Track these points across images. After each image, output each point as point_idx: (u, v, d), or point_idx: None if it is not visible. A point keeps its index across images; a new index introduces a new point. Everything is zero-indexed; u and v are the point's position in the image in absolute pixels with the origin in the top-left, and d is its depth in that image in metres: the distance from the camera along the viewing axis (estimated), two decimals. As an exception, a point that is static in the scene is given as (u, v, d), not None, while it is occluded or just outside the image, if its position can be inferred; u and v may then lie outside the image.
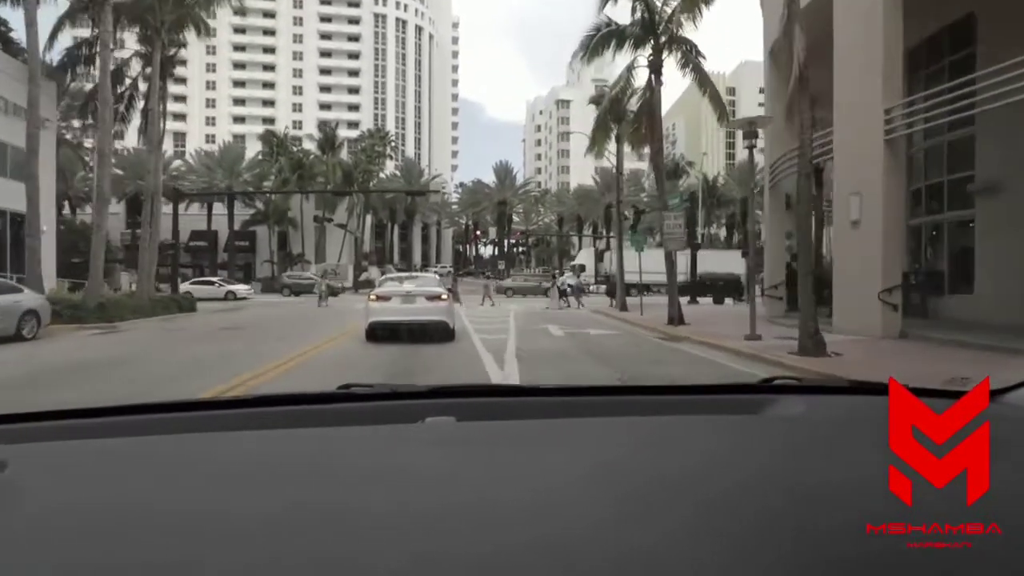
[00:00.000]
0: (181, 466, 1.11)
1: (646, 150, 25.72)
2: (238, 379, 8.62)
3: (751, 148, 13.75)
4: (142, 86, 26.01)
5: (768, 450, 1.22)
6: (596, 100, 28.85)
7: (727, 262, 39.90)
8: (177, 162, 62.05)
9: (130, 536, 0.84)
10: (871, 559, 0.76)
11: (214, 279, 43.16)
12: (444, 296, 14.77)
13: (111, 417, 1.44)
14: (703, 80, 19.74)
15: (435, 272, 39.14)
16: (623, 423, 1.39)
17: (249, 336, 16.26)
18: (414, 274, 23.70)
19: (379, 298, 14.44)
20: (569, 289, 31.77)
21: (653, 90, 19.79)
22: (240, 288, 40.19)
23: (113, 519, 0.89)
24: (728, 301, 35.44)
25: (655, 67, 19.61)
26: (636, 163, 54.11)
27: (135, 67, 26.48)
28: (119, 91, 26.07)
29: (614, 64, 22.83)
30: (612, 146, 26.89)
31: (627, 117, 24.38)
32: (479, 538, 0.82)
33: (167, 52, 25.44)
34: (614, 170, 29.96)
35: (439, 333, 13.93)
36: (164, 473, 1.07)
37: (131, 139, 34.56)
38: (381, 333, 13.58)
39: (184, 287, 39.39)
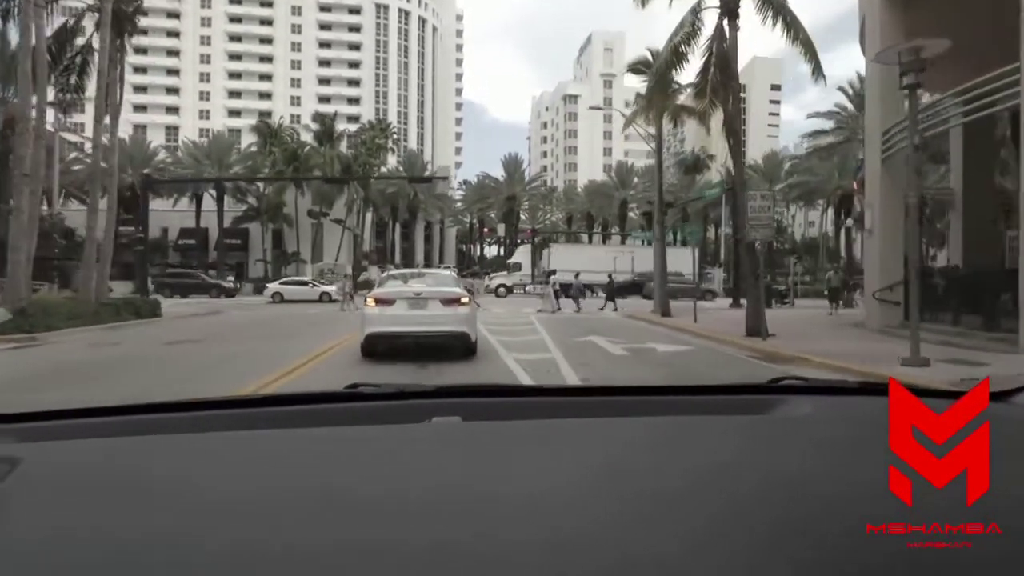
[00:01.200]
0: (188, 464, 1.09)
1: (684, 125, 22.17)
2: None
3: (913, 88, 9.46)
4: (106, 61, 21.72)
5: (775, 450, 1.19)
6: (637, 68, 24.56)
7: (674, 260, 35.66)
8: (162, 153, 57.83)
9: (141, 529, 0.84)
10: (871, 559, 0.76)
11: (307, 279, 39.80)
12: (464, 299, 10.82)
13: (121, 416, 1.42)
14: (791, 25, 15.48)
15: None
16: (629, 423, 1.35)
17: (198, 355, 12.08)
18: (423, 271, 19.28)
19: (379, 302, 10.54)
20: (560, 289, 27.85)
21: (726, 38, 15.57)
22: (333, 289, 36.63)
23: (123, 515, 0.89)
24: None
25: (729, 8, 15.40)
26: (647, 159, 50.59)
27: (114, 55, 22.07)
28: (70, 54, 22.02)
29: (626, 57, 19.02)
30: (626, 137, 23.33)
31: (671, 87, 21.05)
32: (485, 537, 0.82)
33: (124, 7, 21.32)
34: (630, 162, 25.96)
35: (457, 348, 10.45)
36: (172, 471, 1.06)
37: (124, 129, 30.71)
38: (382, 348, 10.36)
39: (274, 287, 37.05)
